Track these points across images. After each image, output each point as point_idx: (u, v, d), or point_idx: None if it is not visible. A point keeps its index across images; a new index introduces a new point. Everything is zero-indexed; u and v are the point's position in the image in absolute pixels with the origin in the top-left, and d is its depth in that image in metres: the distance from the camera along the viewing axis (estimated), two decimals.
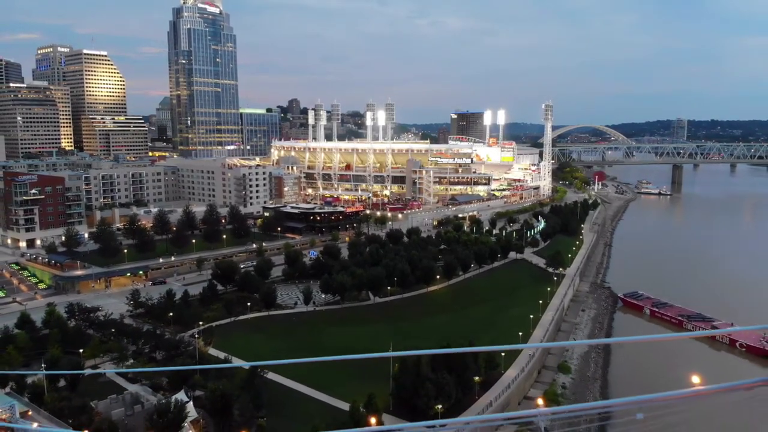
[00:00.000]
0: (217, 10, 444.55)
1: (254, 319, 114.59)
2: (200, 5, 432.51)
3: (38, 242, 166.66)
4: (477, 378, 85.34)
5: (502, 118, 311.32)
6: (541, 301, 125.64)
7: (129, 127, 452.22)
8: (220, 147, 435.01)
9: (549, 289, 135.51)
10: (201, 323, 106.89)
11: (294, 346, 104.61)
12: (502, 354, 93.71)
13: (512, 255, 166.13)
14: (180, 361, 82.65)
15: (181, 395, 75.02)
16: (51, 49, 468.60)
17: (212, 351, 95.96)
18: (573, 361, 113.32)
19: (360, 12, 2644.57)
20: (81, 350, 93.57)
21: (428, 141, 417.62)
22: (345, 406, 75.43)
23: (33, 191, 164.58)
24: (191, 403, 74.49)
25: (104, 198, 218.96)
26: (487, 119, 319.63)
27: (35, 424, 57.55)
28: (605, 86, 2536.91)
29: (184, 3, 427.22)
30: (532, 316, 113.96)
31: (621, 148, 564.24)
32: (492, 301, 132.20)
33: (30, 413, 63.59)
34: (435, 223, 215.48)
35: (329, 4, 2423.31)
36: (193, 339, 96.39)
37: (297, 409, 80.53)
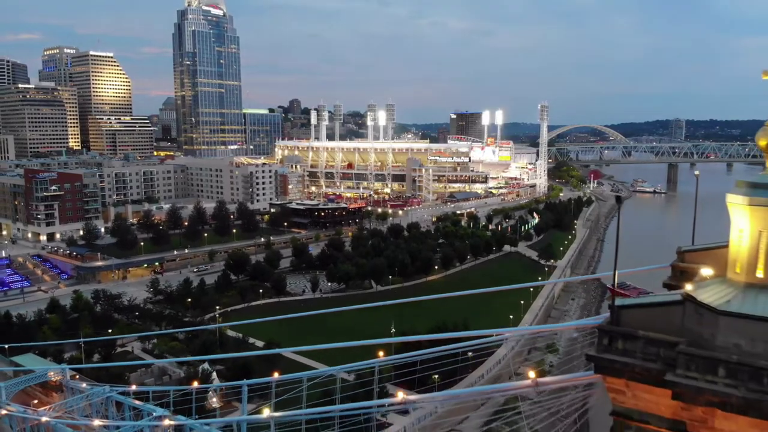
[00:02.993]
0: (220, 13, 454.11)
1: (266, 304, 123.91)
2: (204, 8, 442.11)
3: (57, 236, 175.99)
4: (470, 354, 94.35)
5: (500, 118, 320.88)
6: (532, 290, 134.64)
7: (134, 127, 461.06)
8: (223, 147, 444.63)
9: (540, 278, 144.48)
10: (218, 308, 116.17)
11: (302, 329, 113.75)
12: (495, 335, 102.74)
13: (507, 248, 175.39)
14: (203, 338, 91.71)
15: (205, 366, 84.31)
16: (57, 51, 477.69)
17: (230, 332, 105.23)
18: (561, 343, 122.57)
19: (360, 12, 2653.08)
20: (110, 330, 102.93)
21: (428, 141, 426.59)
22: (351, 377, 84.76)
23: (53, 188, 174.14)
24: (215, 373, 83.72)
25: (117, 195, 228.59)
26: (486, 119, 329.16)
27: (84, 384, 66.36)
28: (605, 86, 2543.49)
29: (188, 5, 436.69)
30: (523, 302, 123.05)
31: (618, 147, 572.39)
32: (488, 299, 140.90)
33: (77, 377, 72.49)
34: (434, 219, 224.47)
35: (330, 4, 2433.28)
36: (213, 321, 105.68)
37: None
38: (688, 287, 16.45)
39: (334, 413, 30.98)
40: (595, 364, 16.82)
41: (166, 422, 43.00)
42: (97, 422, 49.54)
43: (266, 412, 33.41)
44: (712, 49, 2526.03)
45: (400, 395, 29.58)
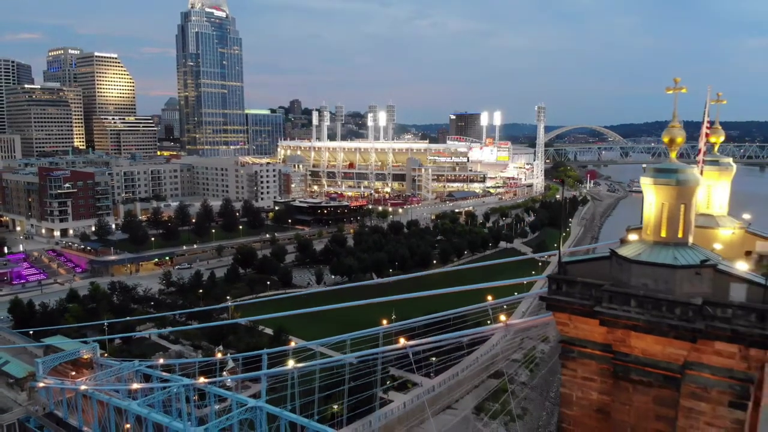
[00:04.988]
0: (223, 15, 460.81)
1: (273, 296, 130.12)
2: (207, 10, 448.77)
3: (71, 232, 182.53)
4: (465, 340, 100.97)
5: (498, 119, 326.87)
6: (526, 282, 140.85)
7: (138, 127, 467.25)
8: (226, 147, 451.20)
9: (534, 273, 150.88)
10: (228, 298, 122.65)
11: (306, 318, 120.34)
12: (488, 322, 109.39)
13: (503, 244, 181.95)
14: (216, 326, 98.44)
15: (220, 348, 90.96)
16: (62, 51, 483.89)
17: (240, 321, 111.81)
18: (553, 333, 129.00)
19: (361, 13, 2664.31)
20: (127, 318, 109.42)
21: (427, 141, 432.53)
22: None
23: (66, 185, 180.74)
24: (229, 354, 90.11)
25: (126, 193, 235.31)
26: (484, 120, 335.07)
27: (113, 361, 72.99)
28: (604, 87, 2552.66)
29: (192, 7, 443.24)
30: (517, 293, 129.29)
31: (616, 148, 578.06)
32: (482, 282, 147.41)
33: (106, 355, 79.08)
34: (433, 217, 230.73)
35: (330, 5, 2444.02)
36: (225, 311, 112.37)
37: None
38: None
39: (346, 361, 37.23)
40: (546, 304, 23.45)
41: (201, 380, 49.35)
42: (135, 385, 56.01)
43: (291, 363, 39.81)
44: (711, 51, 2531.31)
45: (402, 341, 36.30)
